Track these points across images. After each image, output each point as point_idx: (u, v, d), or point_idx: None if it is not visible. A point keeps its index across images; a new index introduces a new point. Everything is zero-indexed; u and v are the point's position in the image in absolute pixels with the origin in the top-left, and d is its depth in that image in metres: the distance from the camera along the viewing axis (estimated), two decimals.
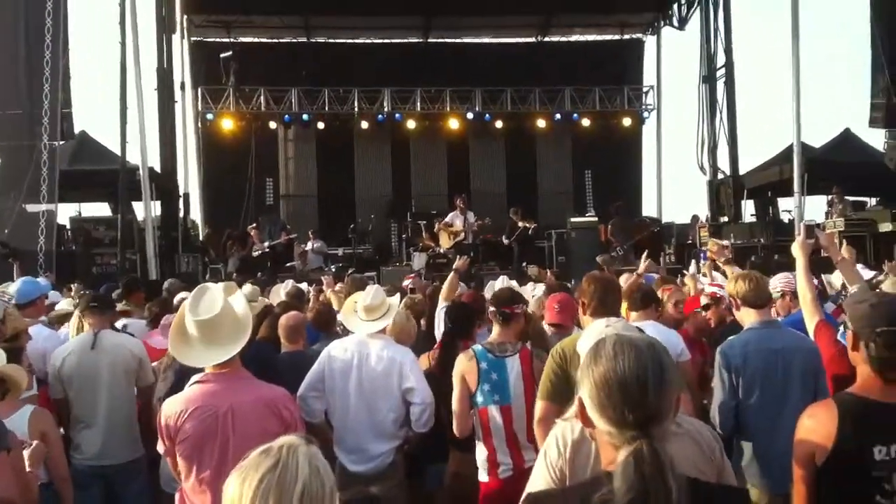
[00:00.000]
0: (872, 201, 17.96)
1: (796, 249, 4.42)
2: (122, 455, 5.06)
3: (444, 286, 7.17)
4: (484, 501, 4.51)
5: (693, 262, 14.03)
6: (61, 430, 5.11)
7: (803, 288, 4.23)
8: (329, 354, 5.05)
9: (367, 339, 5.06)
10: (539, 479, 2.55)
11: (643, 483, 1.71)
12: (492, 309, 4.79)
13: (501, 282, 8.02)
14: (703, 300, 6.43)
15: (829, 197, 17.06)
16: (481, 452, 4.56)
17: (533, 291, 7.83)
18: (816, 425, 2.72)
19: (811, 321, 4.12)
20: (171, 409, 3.49)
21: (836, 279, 7.04)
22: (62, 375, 5.07)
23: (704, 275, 8.59)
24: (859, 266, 6.24)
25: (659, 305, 5.63)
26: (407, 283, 9.32)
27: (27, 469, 3.36)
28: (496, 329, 4.73)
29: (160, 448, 3.62)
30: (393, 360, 4.95)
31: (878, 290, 5.47)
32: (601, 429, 1.87)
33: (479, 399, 4.50)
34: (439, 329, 6.35)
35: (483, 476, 4.53)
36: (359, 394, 4.93)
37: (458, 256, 8.70)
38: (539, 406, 4.02)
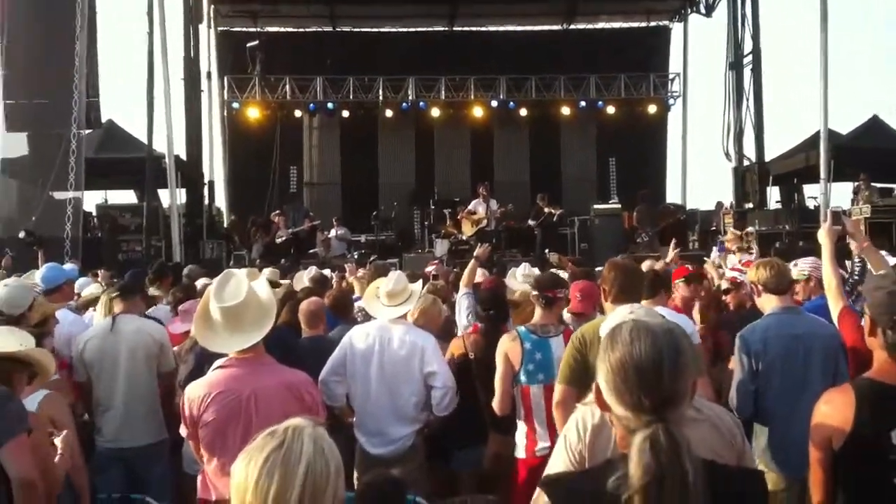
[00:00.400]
0: None
1: (822, 236, 4.40)
2: (142, 438, 5.09)
3: (464, 273, 7.18)
4: (520, 478, 4.55)
5: (714, 248, 13.93)
6: (86, 414, 5.21)
7: (829, 274, 4.21)
8: (351, 339, 5.10)
9: (388, 324, 5.10)
10: (559, 463, 2.57)
11: (659, 466, 1.73)
12: (535, 293, 4.85)
13: (523, 269, 8.01)
14: (724, 284, 6.42)
15: (856, 184, 16.88)
16: (520, 430, 4.60)
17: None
18: (833, 410, 2.71)
19: (835, 308, 4.11)
20: (194, 393, 3.54)
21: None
22: (85, 359, 5.13)
23: (720, 266, 8.53)
24: (883, 252, 6.17)
25: (668, 291, 5.61)
26: (430, 269, 9.34)
27: (59, 452, 3.41)
28: (538, 312, 4.79)
29: (183, 432, 3.67)
30: (415, 344, 4.99)
31: None
32: (617, 413, 1.89)
33: (523, 378, 4.54)
34: (459, 315, 6.38)
35: (521, 453, 4.58)
36: (380, 378, 4.97)
37: (479, 244, 8.68)
38: (558, 389, 4.09)
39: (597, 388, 1.95)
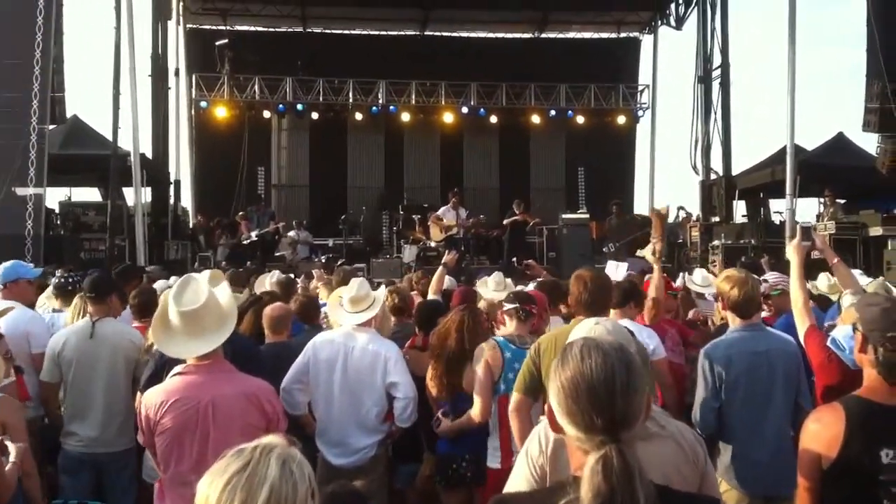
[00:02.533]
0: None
1: (791, 252, 4.38)
2: (117, 443, 5.00)
3: (432, 280, 7.15)
4: (493, 488, 4.52)
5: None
6: (45, 418, 5.08)
7: (796, 291, 4.20)
8: (314, 346, 5.03)
9: (353, 331, 5.04)
10: (520, 476, 2.55)
11: (610, 489, 1.69)
12: (512, 306, 4.83)
13: (496, 277, 7.99)
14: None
15: (821, 200, 17.10)
16: (494, 440, 4.55)
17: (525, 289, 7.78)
18: (822, 429, 2.69)
19: (802, 326, 4.10)
20: (151, 400, 3.45)
21: (821, 283, 7.05)
22: (61, 359, 5.01)
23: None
24: (856, 272, 6.24)
25: (639, 303, 5.61)
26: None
27: (11, 460, 3.31)
28: (513, 324, 4.77)
29: (139, 439, 3.58)
30: (378, 353, 4.94)
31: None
32: (570, 434, 1.85)
33: (502, 387, 4.49)
34: None
35: (494, 463, 4.53)
36: (343, 387, 4.91)
37: (448, 250, 8.66)
38: (514, 398, 4.10)
39: (549, 409, 1.91)
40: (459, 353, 4.79)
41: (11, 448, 3.36)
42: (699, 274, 8.32)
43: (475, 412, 4.58)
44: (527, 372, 4.06)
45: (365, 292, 5.16)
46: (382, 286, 5.87)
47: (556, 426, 1.89)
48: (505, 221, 18.49)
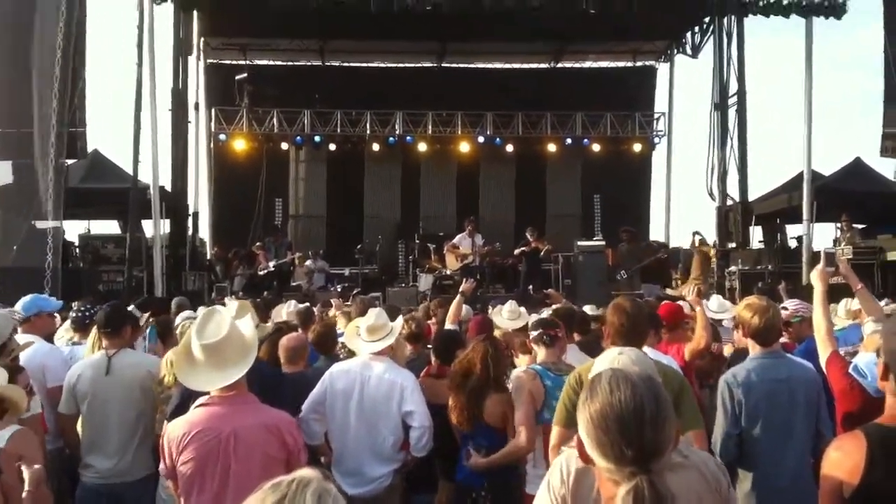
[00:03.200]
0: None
1: (815, 278, 4.40)
2: (133, 473, 5.01)
3: (450, 309, 7.15)
4: None
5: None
6: (66, 449, 5.10)
7: (819, 318, 4.22)
8: (331, 376, 5.06)
9: (369, 361, 5.07)
10: None
11: None
12: (536, 332, 4.86)
13: (509, 306, 7.98)
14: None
15: (838, 225, 17.01)
16: (539, 468, 4.48)
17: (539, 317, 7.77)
18: (844, 457, 2.66)
19: (824, 352, 4.10)
20: (174, 431, 3.47)
21: (840, 310, 7.00)
22: (77, 392, 5.04)
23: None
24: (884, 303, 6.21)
25: (659, 331, 5.56)
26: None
27: (26, 489, 3.32)
28: (543, 351, 4.80)
29: (161, 469, 3.59)
30: (394, 382, 4.95)
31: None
32: (600, 465, 1.85)
33: (546, 415, 4.45)
34: None
35: (534, 490, 4.49)
36: (359, 416, 4.93)
37: (464, 279, 8.66)
38: (555, 432, 4.02)
39: (579, 440, 1.91)
40: (484, 383, 4.77)
41: (26, 474, 3.37)
42: (715, 300, 8.26)
43: (521, 442, 4.54)
44: (568, 403, 3.97)
45: (383, 322, 5.19)
46: (400, 317, 5.89)
47: (585, 457, 1.90)
48: (516, 251, 18.48)
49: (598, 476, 1.90)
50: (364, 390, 4.96)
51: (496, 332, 6.57)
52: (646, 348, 4.86)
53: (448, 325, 6.84)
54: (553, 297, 8.28)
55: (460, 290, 7.60)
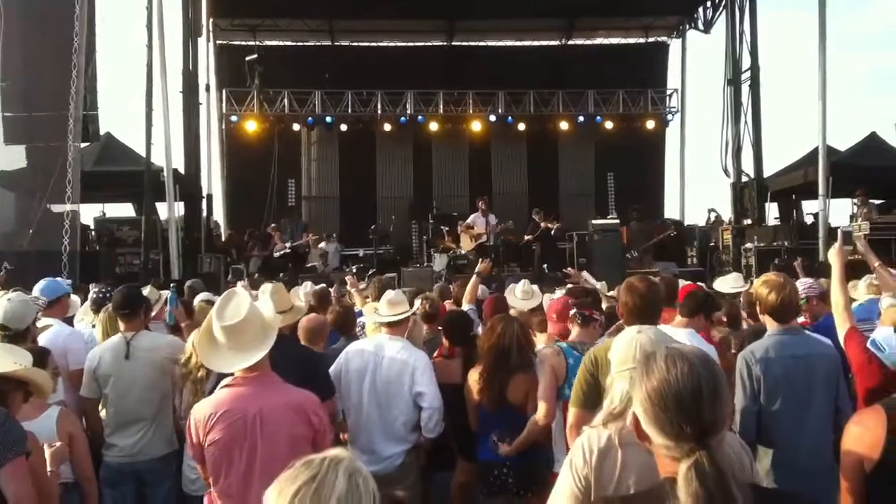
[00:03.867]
0: None
1: (833, 256, 4.44)
2: (155, 450, 5.09)
3: (466, 289, 7.16)
4: None
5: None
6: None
7: (837, 294, 4.26)
8: (346, 356, 5.14)
9: (384, 341, 5.13)
10: (565, 486, 2.55)
11: (708, 494, 1.72)
12: (573, 311, 4.90)
13: (522, 285, 7.98)
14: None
15: (854, 200, 16.90)
16: (559, 444, 4.56)
17: (553, 296, 7.77)
18: (864, 431, 2.66)
19: (842, 328, 4.14)
20: (199, 413, 3.51)
21: (860, 287, 6.97)
22: (98, 375, 5.09)
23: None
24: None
25: (709, 316, 5.50)
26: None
27: (47, 469, 3.38)
28: (576, 330, 4.85)
29: (189, 451, 3.63)
30: (406, 363, 5.01)
31: None
32: (658, 442, 1.88)
33: (566, 392, 4.48)
34: None
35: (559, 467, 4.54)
36: (372, 395, 4.99)
37: (480, 259, 8.66)
38: (572, 413, 4.03)
39: (634, 418, 1.93)
40: (516, 363, 4.79)
41: (48, 454, 3.43)
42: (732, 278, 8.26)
43: (539, 415, 4.59)
44: (584, 384, 3.99)
45: (401, 298, 5.29)
46: (418, 300, 5.94)
47: (642, 434, 1.92)
48: (527, 237, 18.47)
49: (655, 452, 1.91)
50: (377, 370, 5.01)
51: (511, 312, 6.57)
52: (690, 331, 4.86)
53: (465, 306, 6.85)
54: (573, 275, 8.25)
55: (476, 270, 7.61)
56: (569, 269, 8.63)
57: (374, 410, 4.99)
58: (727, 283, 8.03)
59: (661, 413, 1.84)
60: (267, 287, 4.86)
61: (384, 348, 5.08)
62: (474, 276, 7.32)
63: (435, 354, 5.62)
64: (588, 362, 4.05)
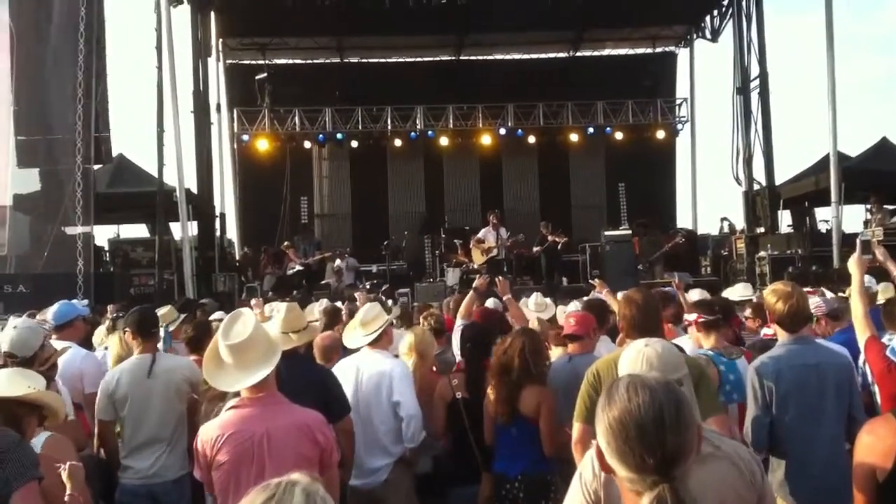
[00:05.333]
0: None
1: (852, 265, 4.46)
2: (170, 473, 5.09)
3: (462, 304, 7.13)
4: None
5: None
6: (101, 453, 5.17)
7: (857, 304, 4.27)
8: (335, 372, 5.16)
9: (366, 354, 5.22)
10: (573, 501, 2.54)
11: None
12: (701, 320, 4.94)
13: (535, 298, 7.98)
14: None
15: (867, 206, 16.80)
16: None
17: (566, 309, 7.74)
18: (876, 441, 2.65)
19: (862, 336, 4.16)
20: (207, 434, 3.51)
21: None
22: (116, 397, 5.09)
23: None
24: None
25: (729, 328, 5.50)
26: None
27: (68, 492, 3.38)
28: (711, 336, 4.86)
29: (196, 473, 3.63)
30: (383, 372, 5.06)
31: None
32: (621, 475, 1.83)
33: (721, 399, 4.44)
34: (457, 348, 6.39)
35: None
36: (354, 408, 4.98)
37: (479, 274, 8.63)
38: (576, 428, 4.00)
39: (598, 449, 1.90)
40: (522, 375, 4.78)
41: (65, 476, 3.42)
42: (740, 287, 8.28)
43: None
44: (587, 399, 3.97)
45: (374, 314, 5.33)
46: (397, 306, 5.99)
47: (606, 467, 1.88)
48: (535, 249, 18.46)
49: (620, 486, 1.88)
50: (359, 381, 5.08)
51: (532, 325, 6.57)
52: (681, 340, 4.85)
53: (458, 321, 6.82)
54: (598, 285, 8.23)
55: (473, 285, 7.52)
56: (595, 279, 8.57)
57: (358, 423, 4.98)
58: (736, 293, 8.04)
59: (623, 444, 1.79)
60: (281, 306, 4.88)
61: (364, 361, 5.18)
62: (470, 292, 7.30)
63: (454, 369, 5.62)
64: (591, 376, 4.04)
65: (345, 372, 5.13)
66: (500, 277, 7.80)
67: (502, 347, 4.96)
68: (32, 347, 4.72)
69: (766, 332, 5.89)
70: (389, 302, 8.98)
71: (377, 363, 5.13)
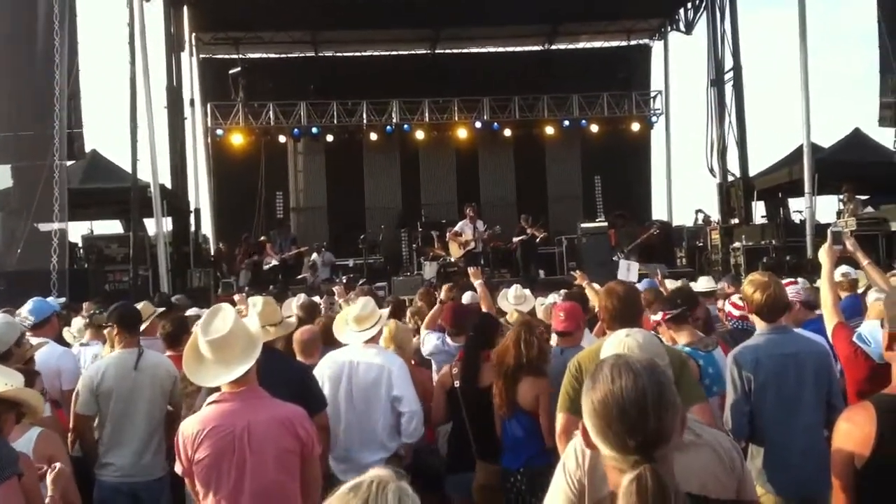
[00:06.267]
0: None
1: (822, 255, 4.53)
2: (151, 472, 5.05)
3: (481, 300, 7.06)
4: None
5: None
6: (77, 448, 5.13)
7: (826, 292, 4.36)
8: (321, 366, 5.12)
9: (359, 348, 5.12)
10: (558, 490, 2.56)
11: None
12: (667, 317, 4.89)
13: (515, 290, 7.98)
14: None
15: (840, 197, 16.99)
16: None
17: (545, 301, 7.77)
18: (854, 428, 2.66)
19: (830, 322, 4.25)
20: (188, 429, 3.49)
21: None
22: (100, 391, 5.03)
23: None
24: None
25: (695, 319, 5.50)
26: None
27: (49, 494, 3.35)
28: (683, 331, 4.83)
29: (178, 468, 3.62)
30: (381, 367, 4.99)
31: None
32: (605, 454, 1.86)
33: (714, 390, 4.43)
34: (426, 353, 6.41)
35: None
36: (349, 402, 4.96)
37: (468, 266, 8.59)
38: (560, 418, 4.03)
39: (583, 427, 1.92)
40: (517, 368, 4.78)
41: (49, 480, 3.40)
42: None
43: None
44: (570, 389, 3.99)
45: (370, 310, 5.23)
46: (389, 307, 5.93)
47: (590, 444, 1.90)
48: (515, 239, 18.50)
49: (604, 463, 1.91)
50: (353, 376, 5.00)
51: (511, 318, 6.59)
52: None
53: (423, 332, 6.75)
54: (579, 277, 8.24)
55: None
56: (576, 271, 8.59)
57: (353, 417, 4.96)
58: (700, 285, 8.16)
59: (606, 425, 1.82)
60: (257, 300, 4.85)
61: (359, 354, 5.08)
62: (479, 285, 7.20)
63: (456, 359, 5.51)
64: (573, 367, 4.05)
65: (337, 365, 5.06)
66: (472, 266, 7.78)
67: (502, 341, 4.95)
68: (7, 343, 4.69)
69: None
70: (381, 294, 8.93)
71: (373, 357, 5.06)
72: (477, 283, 7.21)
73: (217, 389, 3.57)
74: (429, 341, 6.41)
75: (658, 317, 4.92)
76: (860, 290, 6.81)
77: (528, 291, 8.06)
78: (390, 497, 1.67)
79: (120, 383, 5.03)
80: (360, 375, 4.99)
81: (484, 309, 6.73)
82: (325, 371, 5.07)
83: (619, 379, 1.85)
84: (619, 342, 2.96)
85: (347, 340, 5.23)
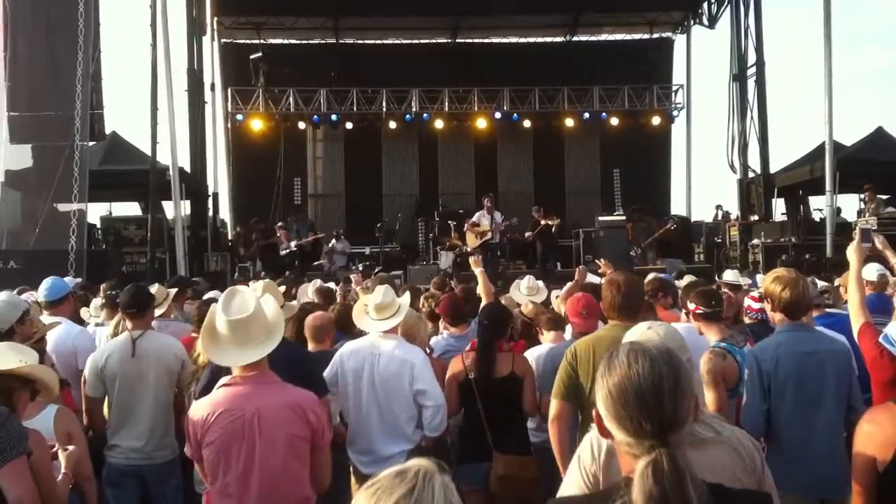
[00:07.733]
0: None
1: (851, 253, 4.46)
2: (159, 456, 5.03)
3: (481, 288, 7.04)
4: None
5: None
6: (90, 431, 5.13)
7: (853, 291, 4.27)
8: (341, 356, 5.04)
9: (379, 338, 5.03)
10: (572, 483, 2.53)
11: (662, 493, 1.69)
12: (700, 311, 4.76)
13: (527, 281, 7.92)
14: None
15: (861, 195, 16.83)
16: None
17: (559, 293, 7.70)
18: (877, 430, 2.62)
19: (857, 322, 4.14)
20: (197, 413, 3.46)
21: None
22: (105, 375, 5.02)
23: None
24: None
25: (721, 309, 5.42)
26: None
27: (62, 471, 3.35)
28: (713, 327, 4.69)
29: (187, 451, 3.60)
30: (404, 360, 4.90)
31: None
32: (619, 439, 1.86)
33: (742, 389, 4.29)
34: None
35: None
36: (371, 394, 4.90)
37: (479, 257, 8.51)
38: (553, 404, 4.07)
39: (597, 414, 1.91)
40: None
41: (62, 458, 3.39)
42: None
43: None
44: (565, 377, 4.03)
45: (390, 299, 5.13)
46: (407, 293, 5.84)
47: (604, 431, 1.90)
48: (528, 234, 18.43)
49: (618, 449, 1.90)
50: (375, 368, 4.92)
51: (526, 309, 6.53)
52: (684, 325, 4.79)
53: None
54: (604, 265, 8.19)
55: (472, 265, 7.33)
56: (600, 260, 8.49)
57: (374, 409, 4.90)
58: (728, 277, 8.12)
59: (622, 409, 1.82)
60: (258, 284, 4.80)
61: (379, 346, 4.99)
62: (479, 274, 7.17)
63: (467, 349, 5.41)
64: (569, 355, 4.08)
65: (359, 354, 5.00)
66: (473, 256, 7.71)
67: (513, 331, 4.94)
68: (8, 321, 4.65)
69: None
70: (397, 282, 8.89)
71: (395, 349, 4.96)
72: (477, 271, 7.17)
73: (228, 372, 3.55)
74: (437, 345, 6.35)
75: (692, 306, 4.82)
76: (889, 291, 6.69)
77: (541, 283, 8.00)
78: (437, 488, 1.63)
79: (124, 367, 5.01)
80: (382, 367, 4.91)
81: (483, 298, 6.70)
82: (346, 362, 5.01)
83: (635, 364, 1.86)
84: (640, 335, 2.92)
85: (367, 328, 5.16)
